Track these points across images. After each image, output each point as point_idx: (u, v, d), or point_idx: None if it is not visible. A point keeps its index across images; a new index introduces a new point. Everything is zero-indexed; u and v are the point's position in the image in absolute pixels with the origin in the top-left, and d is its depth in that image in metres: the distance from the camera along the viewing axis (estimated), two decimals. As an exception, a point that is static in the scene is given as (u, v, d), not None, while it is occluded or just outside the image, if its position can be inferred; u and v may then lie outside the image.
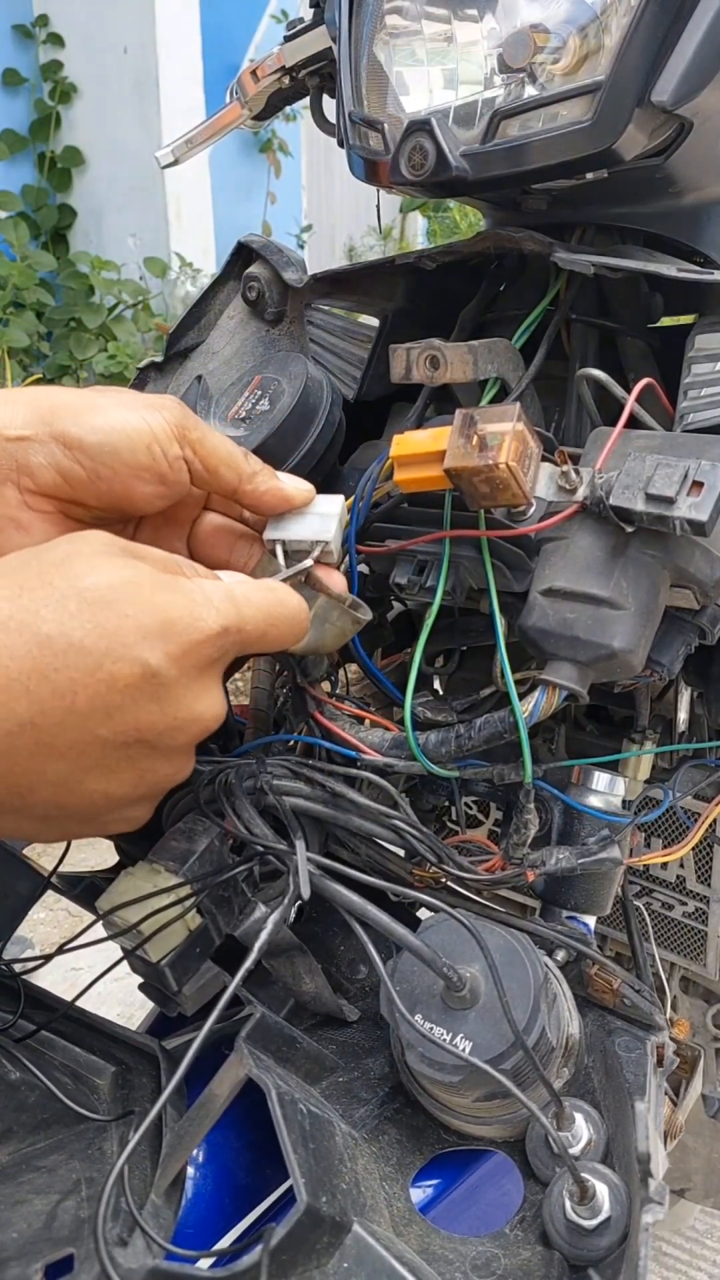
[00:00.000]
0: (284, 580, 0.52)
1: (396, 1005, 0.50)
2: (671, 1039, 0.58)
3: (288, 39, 0.87)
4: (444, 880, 0.59)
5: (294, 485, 0.55)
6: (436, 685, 0.79)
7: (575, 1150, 0.49)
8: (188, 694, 0.43)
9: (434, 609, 0.59)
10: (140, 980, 0.55)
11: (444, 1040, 0.49)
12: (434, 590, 0.60)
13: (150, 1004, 0.60)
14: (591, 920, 0.65)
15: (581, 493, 0.53)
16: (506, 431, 0.52)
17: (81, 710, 0.40)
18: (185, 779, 0.47)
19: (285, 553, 0.55)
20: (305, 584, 0.55)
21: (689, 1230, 1.54)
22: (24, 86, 4.13)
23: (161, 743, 0.43)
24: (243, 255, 0.72)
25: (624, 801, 0.65)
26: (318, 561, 0.55)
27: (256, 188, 4.89)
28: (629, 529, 0.52)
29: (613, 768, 0.66)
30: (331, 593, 0.55)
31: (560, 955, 0.58)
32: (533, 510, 0.56)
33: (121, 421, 0.48)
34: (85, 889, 0.66)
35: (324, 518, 0.55)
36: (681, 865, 0.89)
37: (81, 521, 0.51)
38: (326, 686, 0.64)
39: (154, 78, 4.04)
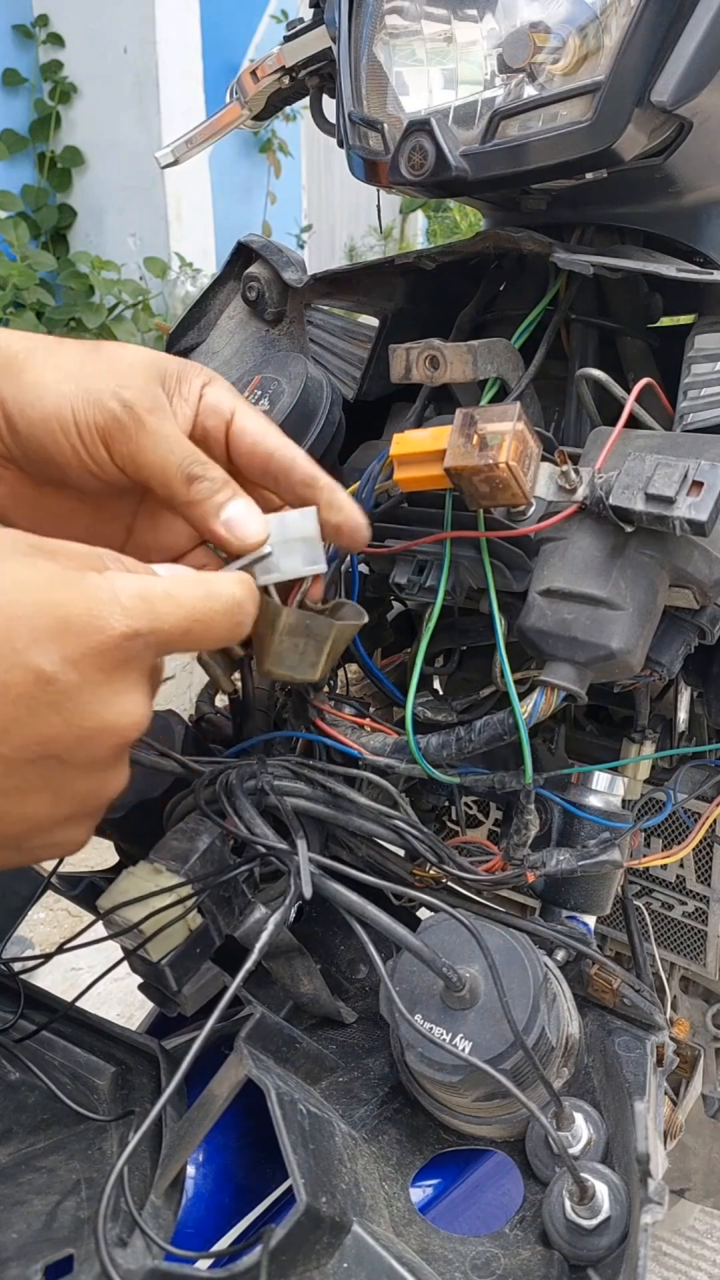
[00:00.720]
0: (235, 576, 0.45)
1: (396, 1005, 0.50)
2: (671, 1039, 0.58)
3: (288, 39, 0.87)
4: (444, 880, 0.59)
5: (243, 529, 0.47)
6: (436, 685, 0.80)
7: (575, 1150, 0.49)
8: (94, 701, 0.38)
9: (435, 609, 0.59)
10: (140, 980, 0.55)
11: (444, 1040, 0.49)
12: (434, 590, 0.60)
13: (150, 1004, 0.60)
14: (591, 920, 0.65)
15: (581, 492, 0.54)
16: (506, 431, 0.52)
17: None
18: (116, 794, 0.42)
19: (277, 588, 0.49)
20: (287, 604, 0.50)
21: (689, 1230, 1.54)
22: (24, 86, 4.13)
23: (73, 757, 0.38)
24: (243, 255, 0.72)
25: (624, 801, 0.65)
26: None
27: (256, 188, 4.88)
28: (629, 529, 0.52)
29: (613, 768, 0.66)
30: (307, 604, 0.50)
31: (560, 955, 0.58)
32: (532, 510, 0.56)
33: (54, 413, 0.44)
34: (85, 889, 0.66)
35: (307, 543, 0.49)
36: (681, 865, 0.89)
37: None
38: (325, 689, 0.64)
39: (154, 78, 4.04)
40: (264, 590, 0.48)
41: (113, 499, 0.50)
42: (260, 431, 0.49)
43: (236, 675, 0.64)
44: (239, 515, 0.47)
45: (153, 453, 0.45)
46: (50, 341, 0.46)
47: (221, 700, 0.72)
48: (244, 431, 0.49)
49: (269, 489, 0.50)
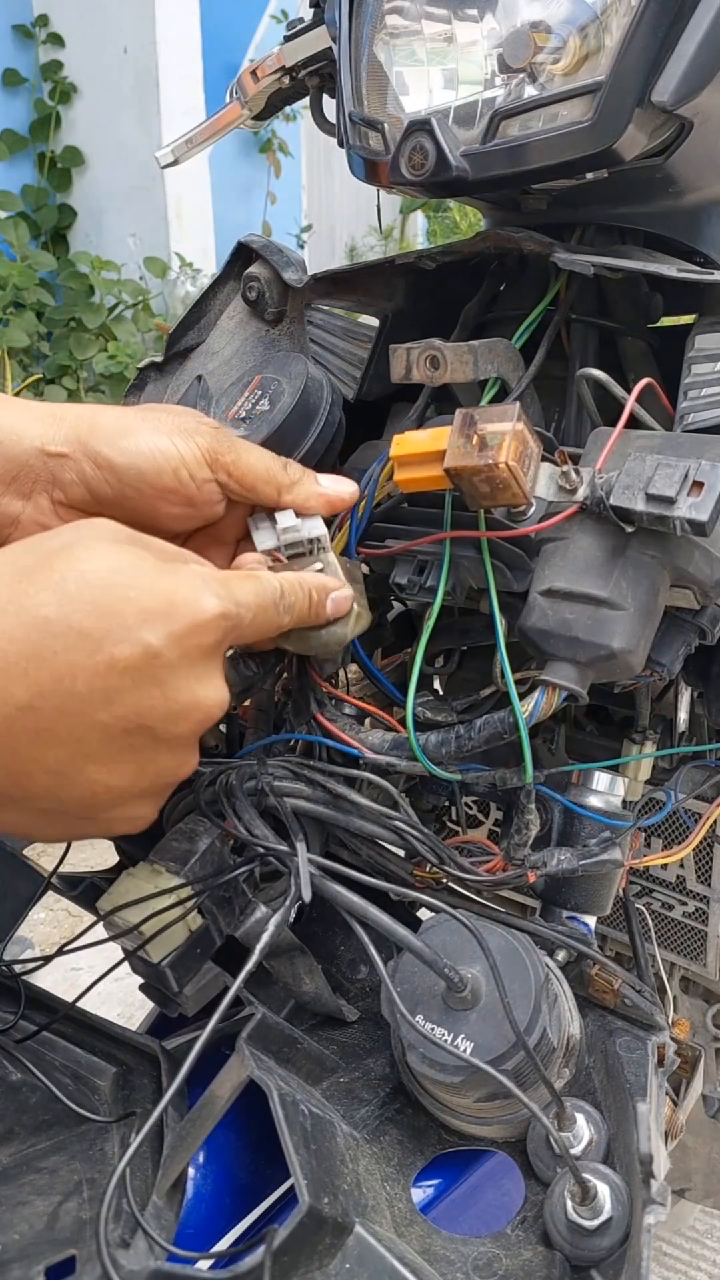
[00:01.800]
0: (270, 552, 0.55)
1: (397, 1006, 0.50)
2: (672, 1039, 0.58)
3: (288, 39, 0.87)
4: (444, 881, 0.59)
5: (336, 487, 0.57)
6: (436, 685, 0.79)
7: (576, 1150, 0.49)
8: (189, 678, 0.42)
9: (435, 609, 0.59)
10: (140, 981, 0.55)
11: (445, 1041, 0.49)
12: (434, 590, 0.60)
13: (150, 1004, 0.60)
14: (592, 920, 0.65)
15: (581, 493, 0.53)
16: (506, 431, 0.52)
17: (81, 694, 0.39)
18: (189, 775, 0.46)
19: (287, 556, 0.56)
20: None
21: (689, 1230, 1.54)
22: (24, 86, 4.13)
23: (163, 730, 0.42)
24: (243, 255, 0.72)
25: (625, 802, 0.65)
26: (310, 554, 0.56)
27: (256, 188, 4.89)
28: (629, 529, 0.52)
29: (613, 768, 0.66)
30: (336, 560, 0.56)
31: (561, 955, 0.58)
32: (533, 510, 0.55)
33: (150, 446, 0.50)
34: (86, 890, 0.66)
35: (308, 518, 0.56)
36: (681, 865, 0.89)
37: None
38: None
39: (154, 78, 4.04)
40: (308, 550, 0.56)
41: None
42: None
43: (223, 726, 0.69)
44: (328, 481, 0.57)
45: (249, 455, 0.53)
46: (128, 409, 0.54)
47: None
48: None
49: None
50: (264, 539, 0.56)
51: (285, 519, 0.56)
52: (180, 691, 0.42)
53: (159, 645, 0.41)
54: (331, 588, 0.54)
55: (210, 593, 0.44)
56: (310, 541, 0.56)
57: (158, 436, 0.51)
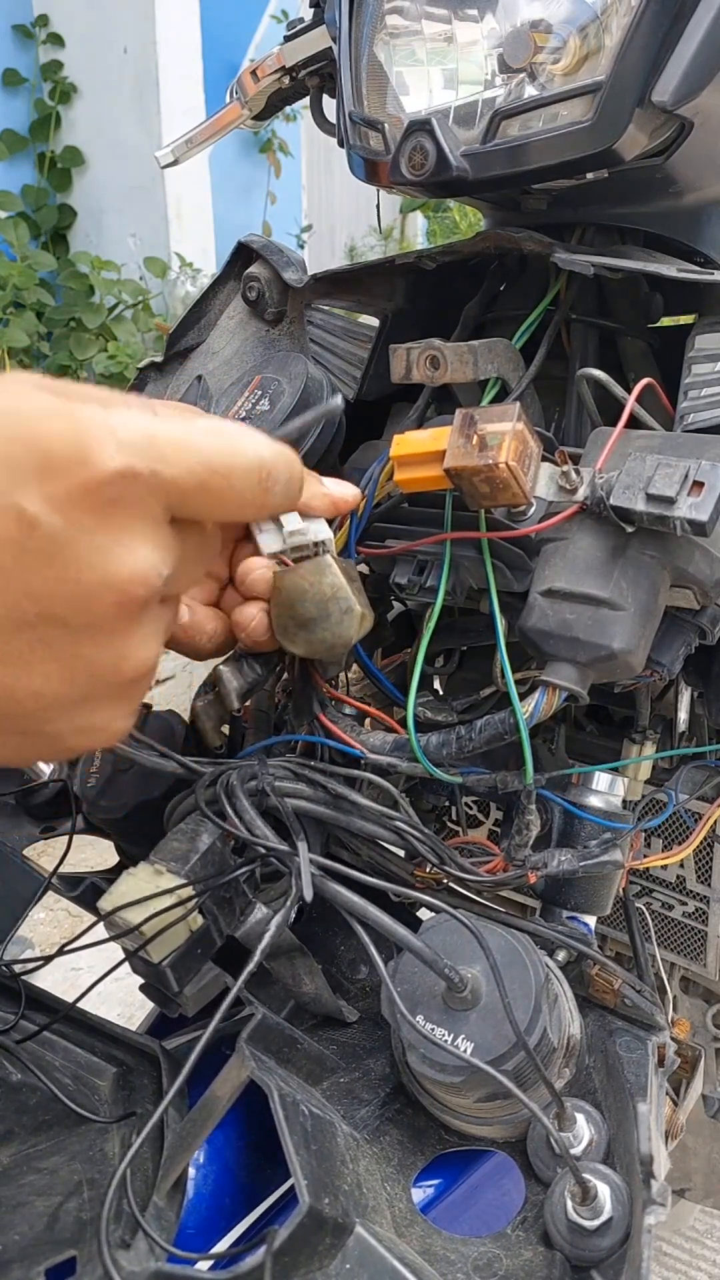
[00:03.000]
0: (278, 556, 0.52)
1: (398, 1006, 0.50)
2: (672, 1039, 0.58)
3: (288, 39, 0.87)
4: (445, 881, 0.59)
5: (340, 490, 0.54)
6: (437, 685, 0.79)
7: (577, 1151, 0.49)
8: (89, 550, 0.34)
9: (435, 610, 0.59)
10: (140, 981, 0.55)
11: (445, 1041, 0.49)
12: (434, 590, 0.60)
13: (150, 1004, 0.60)
14: (592, 920, 0.65)
15: (582, 493, 0.53)
16: (506, 431, 0.51)
17: None
18: (142, 669, 0.38)
19: (292, 559, 0.55)
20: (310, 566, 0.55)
21: (689, 1230, 1.54)
22: (24, 86, 4.13)
23: (74, 618, 0.34)
24: (243, 255, 0.72)
25: (625, 802, 0.65)
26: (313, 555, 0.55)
27: (256, 188, 4.88)
28: (629, 529, 0.52)
29: (613, 768, 0.66)
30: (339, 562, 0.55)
31: (561, 955, 0.58)
32: (533, 510, 0.55)
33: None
34: (86, 890, 0.66)
35: (308, 516, 0.55)
36: (681, 865, 0.89)
37: None
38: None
39: (154, 78, 4.04)
40: (313, 553, 0.54)
41: None
42: None
43: (226, 727, 0.67)
44: (332, 483, 0.54)
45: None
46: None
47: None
48: None
49: None
50: (269, 542, 0.55)
51: (291, 521, 0.54)
52: (79, 568, 0.34)
53: (34, 511, 0.32)
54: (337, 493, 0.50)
55: (112, 443, 0.34)
56: (316, 545, 0.55)
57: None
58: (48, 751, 0.38)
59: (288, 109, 0.95)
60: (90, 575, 0.34)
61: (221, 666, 0.60)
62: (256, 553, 0.56)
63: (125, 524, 0.35)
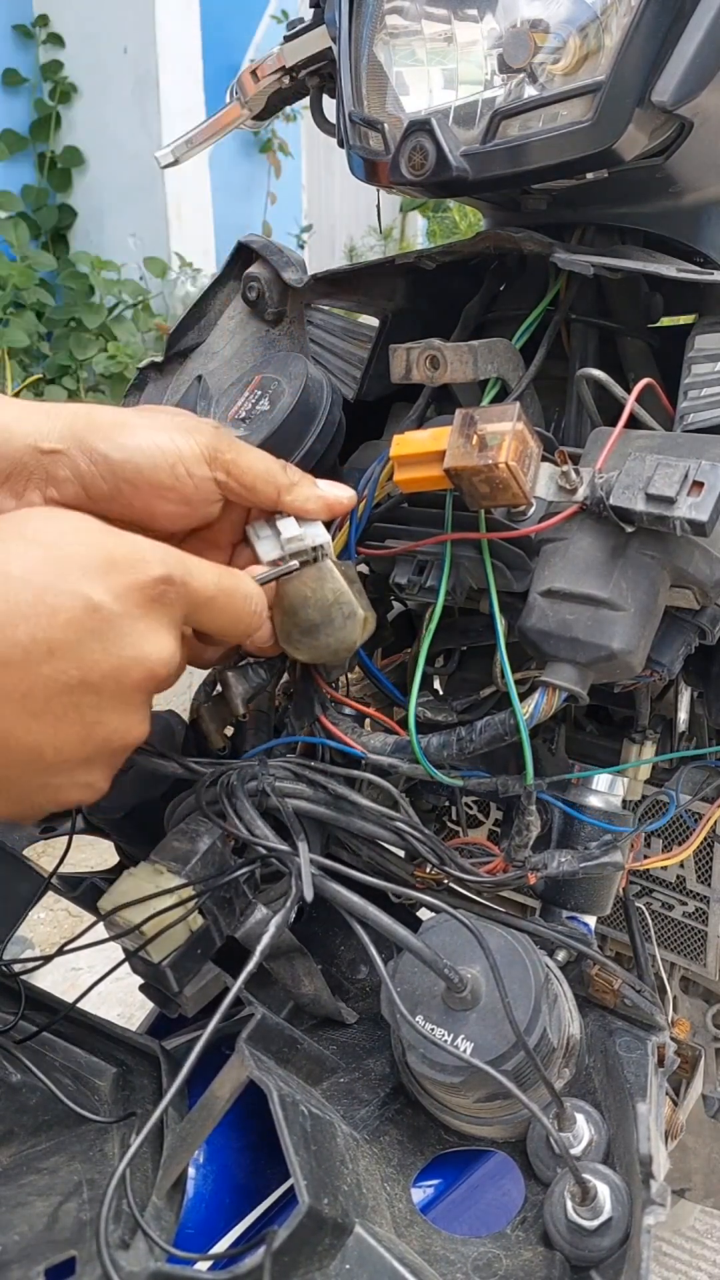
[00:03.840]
0: (266, 577, 0.54)
1: (398, 1006, 0.50)
2: (672, 1039, 0.58)
3: (288, 39, 0.87)
4: (445, 881, 0.59)
5: (334, 492, 0.57)
6: (437, 685, 0.79)
7: (576, 1151, 0.49)
8: (133, 632, 0.43)
9: (436, 610, 0.59)
10: (140, 981, 0.55)
11: (445, 1041, 0.49)
12: (434, 590, 0.60)
13: (150, 1004, 0.60)
14: (592, 920, 0.65)
15: (581, 493, 0.53)
16: (506, 431, 0.51)
17: (23, 644, 0.40)
18: (137, 740, 0.46)
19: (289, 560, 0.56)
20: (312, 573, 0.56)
21: (689, 1230, 1.54)
22: (24, 86, 4.13)
23: (107, 687, 0.42)
24: (243, 255, 0.72)
25: (625, 802, 0.65)
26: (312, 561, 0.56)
27: (256, 188, 4.89)
28: (629, 529, 0.52)
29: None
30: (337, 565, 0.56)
31: (561, 955, 0.58)
32: (533, 510, 0.55)
33: (149, 442, 0.50)
34: (86, 890, 0.66)
35: (306, 521, 0.56)
36: (682, 865, 0.89)
37: None
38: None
39: (154, 78, 4.04)
40: (312, 558, 0.56)
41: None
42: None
43: (229, 729, 0.69)
44: (326, 485, 0.57)
45: (249, 456, 0.53)
46: (127, 409, 0.54)
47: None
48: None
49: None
50: (268, 549, 0.56)
51: (289, 527, 0.55)
52: (123, 645, 0.42)
53: (99, 598, 0.41)
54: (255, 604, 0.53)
55: (155, 555, 0.44)
56: (314, 549, 0.56)
57: (156, 432, 0.50)
58: (39, 803, 0.45)
59: (288, 109, 0.95)
60: (130, 651, 0.43)
61: (227, 672, 0.60)
62: (255, 560, 0.56)
63: (160, 617, 0.45)
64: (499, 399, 0.63)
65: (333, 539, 0.61)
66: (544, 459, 0.55)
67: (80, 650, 0.41)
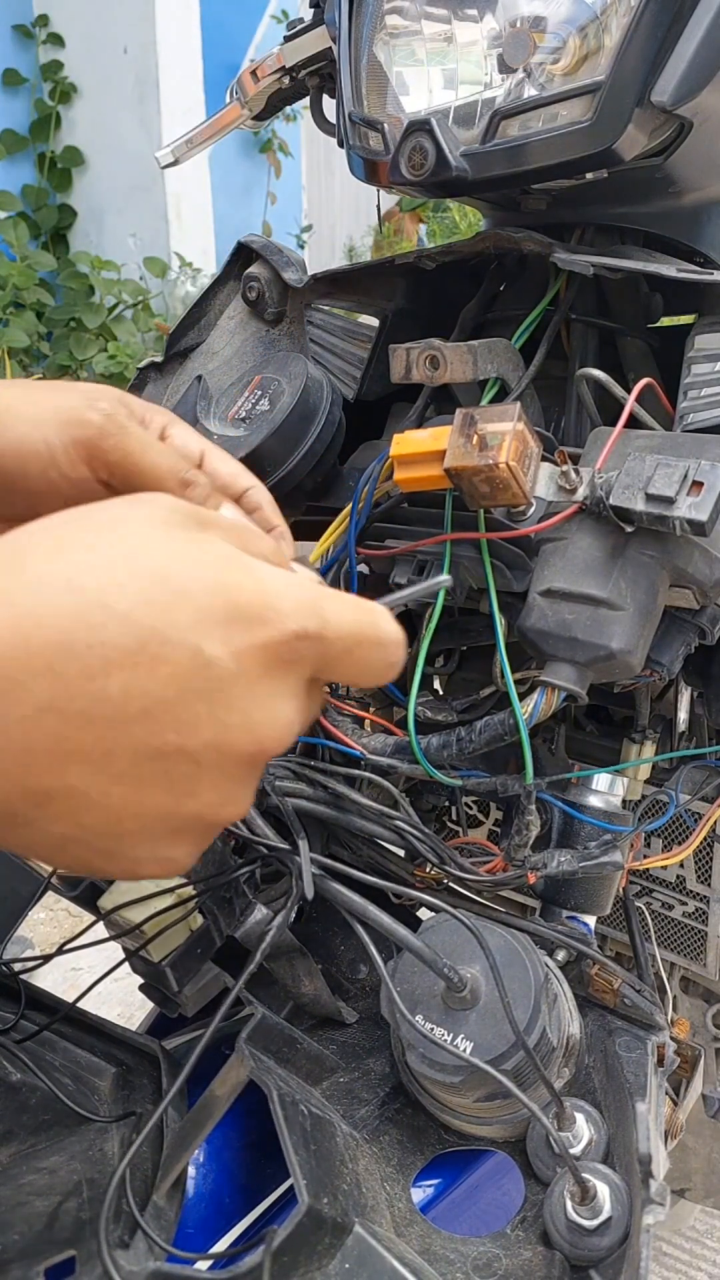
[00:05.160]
0: (389, 604, 0.43)
1: (397, 1006, 0.50)
2: (672, 1039, 0.58)
3: (288, 39, 0.87)
4: (445, 881, 0.59)
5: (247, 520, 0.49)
6: (436, 685, 0.79)
7: (576, 1150, 0.49)
8: (246, 698, 0.35)
9: (436, 610, 0.59)
10: (140, 981, 0.55)
11: (445, 1041, 0.49)
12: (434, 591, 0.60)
13: (150, 1004, 0.60)
14: (592, 920, 0.65)
15: (581, 492, 0.53)
16: (506, 431, 0.52)
17: (114, 698, 0.33)
18: (236, 818, 0.38)
19: None
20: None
21: (689, 1230, 1.54)
22: (24, 86, 4.13)
23: (207, 757, 0.35)
24: (243, 255, 0.72)
25: (625, 801, 0.65)
26: None
27: (256, 188, 4.89)
28: (629, 529, 0.52)
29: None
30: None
31: (561, 955, 0.58)
32: (533, 510, 0.56)
33: (19, 442, 0.43)
34: (85, 890, 0.66)
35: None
36: (681, 865, 0.89)
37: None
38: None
39: (154, 78, 4.04)
40: None
41: None
42: (232, 474, 0.50)
43: None
44: (230, 510, 0.48)
45: (142, 457, 0.44)
46: (15, 381, 0.46)
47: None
48: (216, 474, 0.49)
49: None
50: None
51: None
52: (232, 713, 0.35)
53: (212, 653, 0.34)
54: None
55: (290, 603, 0.35)
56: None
57: (30, 427, 0.43)
58: (111, 870, 0.38)
59: (288, 109, 0.95)
60: (238, 719, 0.35)
61: None
62: None
63: (283, 680, 0.36)
64: (499, 399, 0.63)
65: (331, 539, 0.61)
66: (544, 459, 0.55)
67: (180, 711, 0.34)
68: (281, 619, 0.35)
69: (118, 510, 0.35)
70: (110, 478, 0.44)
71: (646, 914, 0.92)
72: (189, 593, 0.34)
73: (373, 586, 0.68)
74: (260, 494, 0.50)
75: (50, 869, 0.62)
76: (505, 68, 0.59)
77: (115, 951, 0.54)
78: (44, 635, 0.32)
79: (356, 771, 0.59)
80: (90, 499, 0.41)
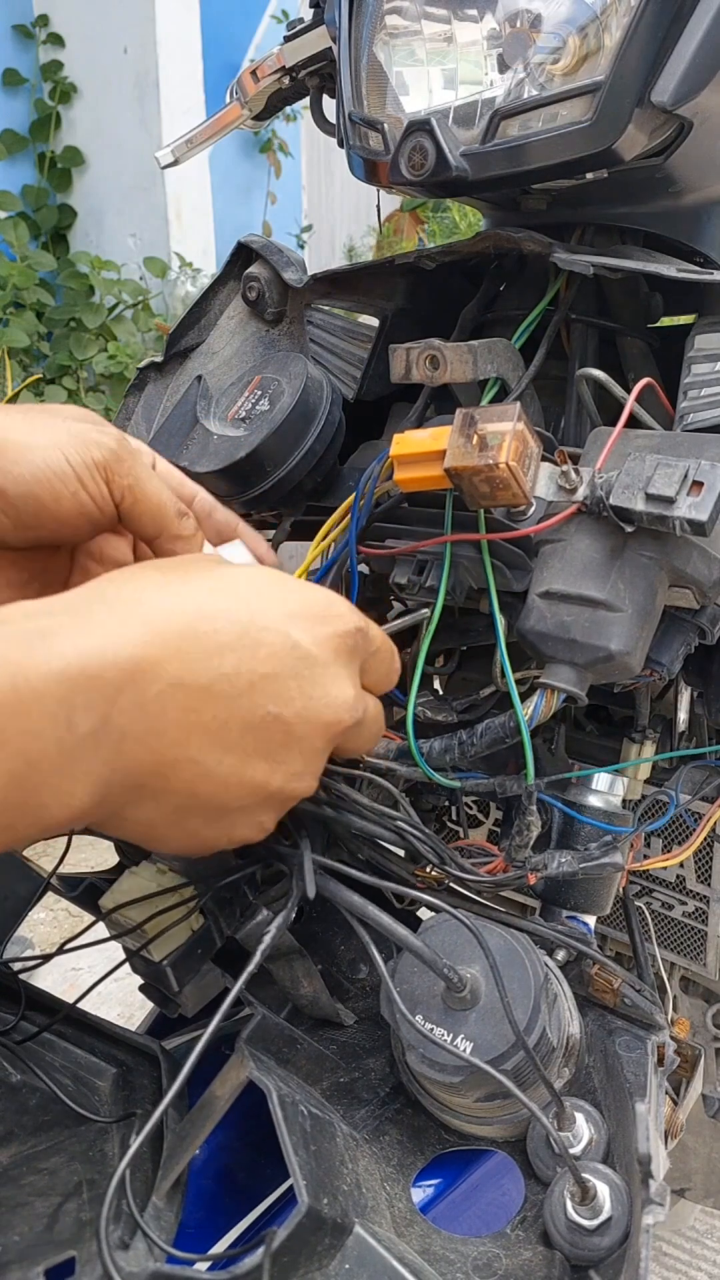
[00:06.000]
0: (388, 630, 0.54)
1: (397, 1006, 0.50)
2: (672, 1038, 0.58)
3: (288, 39, 0.87)
4: (445, 881, 0.59)
5: (234, 553, 0.55)
6: (436, 685, 0.79)
7: (576, 1150, 0.49)
8: (325, 676, 0.44)
9: (436, 610, 0.59)
10: (140, 981, 0.55)
11: (445, 1041, 0.49)
12: (434, 590, 0.60)
13: (150, 1004, 0.60)
14: (592, 920, 0.65)
15: (581, 492, 0.53)
16: (506, 431, 0.52)
17: (228, 675, 0.41)
18: (307, 793, 0.46)
19: None
20: None
21: (689, 1230, 1.54)
22: (24, 86, 4.13)
23: (295, 728, 0.43)
24: (243, 255, 0.72)
25: (625, 801, 0.65)
26: None
27: (256, 188, 4.89)
28: (629, 529, 0.52)
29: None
30: None
31: (560, 955, 0.58)
32: (533, 510, 0.55)
33: (44, 466, 0.46)
34: (85, 890, 0.66)
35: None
36: (681, 865, 0.89)
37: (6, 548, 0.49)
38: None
39: (154, 78, 4.04)
40: None
41: (53, 564, 0.53)
42: (179, 481, 0.55)
43: None
44: (232, 550, 0.55)
45: (149, 484, 0.49)
46: (16, 407, 0.49)
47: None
48: (181, 486, 0.55)
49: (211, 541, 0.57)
50: None
51: (238, 554, 0.54)
52: (316, 686, 0.44)
53: (299, 638, 0.43)
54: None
55: (345, 606, 0.47)
56: None
57: (53, 453, 0.46)
58: (211, 838, 0.45)
59: (288, 109, 0.95)
60: (321, 693, 0.44)
61: None
62: None
63: (347, 665, 0.46)
64: (499, 399, 0.63)
65: (330, 539, 0.61)
66: (544, 459, 0.55)
67: (278, 685, 0.42)
68: (345, 616, 0.46)
69: (209, 558, 0.47)
70: (120, 501, 0.49)
71: (646, 914, 0.92)
72: (274, 597, 0.44)
73: (373, 585, 0.68)
74: (206, 497, 0.56)
75: (50, 869, 0.62)
76: (505, 68, 0.59)
77: (115, 951, 0.54)
78: (174, 626, 0.40)
79: (356, 771, 0.59)
80: (109, 515, 0.49)
